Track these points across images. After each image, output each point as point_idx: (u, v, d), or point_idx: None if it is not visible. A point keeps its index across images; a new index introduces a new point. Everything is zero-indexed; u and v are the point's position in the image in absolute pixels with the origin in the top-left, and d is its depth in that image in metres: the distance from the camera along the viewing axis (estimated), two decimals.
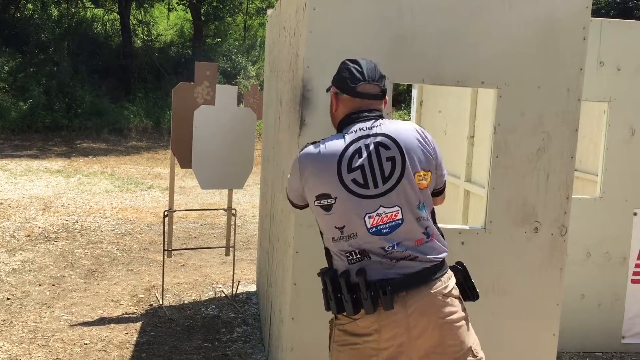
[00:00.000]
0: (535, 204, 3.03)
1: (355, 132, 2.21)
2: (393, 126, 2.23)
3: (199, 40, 22.71)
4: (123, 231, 7.34)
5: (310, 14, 2.89)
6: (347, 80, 2.29)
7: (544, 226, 3.04)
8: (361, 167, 2.15)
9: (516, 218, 3.02)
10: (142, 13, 22.68)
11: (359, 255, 2.16)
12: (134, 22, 21.68)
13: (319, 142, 2.26)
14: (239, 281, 5.51)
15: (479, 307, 2.82)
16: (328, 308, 2.21)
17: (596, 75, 4.28)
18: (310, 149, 2.25)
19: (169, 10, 25.67)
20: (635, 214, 4.34)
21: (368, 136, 2.19)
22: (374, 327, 2.12)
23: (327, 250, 2.30)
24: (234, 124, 4.88)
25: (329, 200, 2.17)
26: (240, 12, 31.99)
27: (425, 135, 2.27)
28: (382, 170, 2.16)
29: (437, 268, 2.19)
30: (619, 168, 4.33)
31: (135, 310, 4.85)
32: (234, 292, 5.27)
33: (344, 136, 2.22)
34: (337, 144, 2.20)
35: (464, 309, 2.24)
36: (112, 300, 5.05)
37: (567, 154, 3.05)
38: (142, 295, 5.19)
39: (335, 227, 2.18)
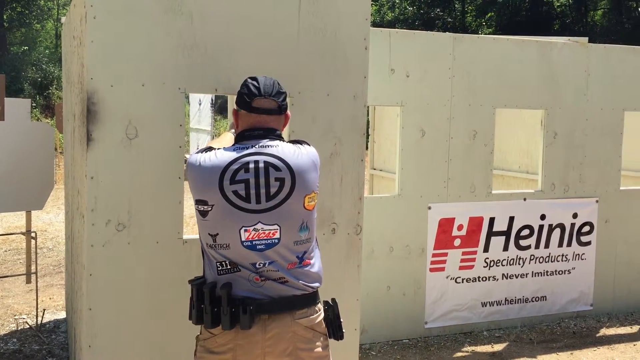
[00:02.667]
0: (332, 207, 3.16)
1: (247, 148, 2.19)
2: (286, 149, 2.21)
3: (3, 48, 20.76)
4: None
5: (92, 23, 2.76)
6: (244, 95, 2.29)
7: (340, 227, 3.18)
8: (245, 181, 2.13)
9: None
10: None
11: (228, 267, 2.13)
12: None
13: (212, 150, 2.24)
14: (44, 310, 5.09)
15: None
16: (190, 317, 2.16)
17: (389, 82, 4.61)
18: (198, 155, 2.22)
19: None
20: (429, 208, 4.73)
21: (260, 154, 2.17)
22: (230, 346, 2.09)
23: (203, 256, 2.25)
24: (28, 140, 4.50)
25: (205, 207, 2.14)
26: (50, 19, 29.78)
27: (314, 156, 2.28)
28: (268, 188, 2.14)
29: (308, 298, 2.17)
30: (413, 166, 4.70)
31: None
32: (39, 322, 4.85)
33: (235, 149, 2.20)
34: (225, 155, 2.18)
35: (326, 347, 2.21)
36: None
37: (358, 157, 3.23)
38: None
39: (209, 234, 2.16)
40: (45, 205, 4.75)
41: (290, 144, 2.26)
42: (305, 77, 3.10)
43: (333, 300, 2.28)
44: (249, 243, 2.10)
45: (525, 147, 6.51)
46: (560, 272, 5.15)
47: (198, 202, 2.16)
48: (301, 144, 2.29)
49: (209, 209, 2.13)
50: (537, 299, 5.10)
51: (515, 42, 5.03)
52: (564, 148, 5.09)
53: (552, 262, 5.13)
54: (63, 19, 4.96)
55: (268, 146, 2.19)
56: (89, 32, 2.76)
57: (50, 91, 23.23)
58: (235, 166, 2.14)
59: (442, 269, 4.82)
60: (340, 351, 3.24)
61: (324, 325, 2.23)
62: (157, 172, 2.87)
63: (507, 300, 5.00)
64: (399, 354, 4.46)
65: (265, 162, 2.16)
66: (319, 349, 2.18)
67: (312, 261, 2.21)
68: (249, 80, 2.32)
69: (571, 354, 4.48)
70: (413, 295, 4.74)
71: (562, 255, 5.15)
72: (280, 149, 2.20)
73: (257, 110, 2.26)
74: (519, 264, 5.02)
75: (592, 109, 5.15)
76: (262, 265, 2.11)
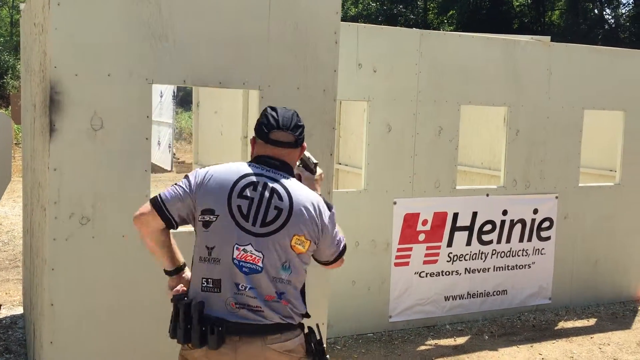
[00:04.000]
0: None
1: (262, 169, 2.19)
2: (296, 187, 2.19)
3: None
4: None
5: (55, 9, 2.67)
6: (262, 126, 2.24)
7: None
8: (250, 199, 2.13)
9: None
10: None
11: (211, 285, 2.12)
12: None
13: (225, 165, 2.23)
14: (0, 305, 4.93)
15: None
16: (168, 330, 2.15)
17: (356, 77, 4.61)
18: (217, 166, 2.22)
19: None
20: (394, 203, 4.77)
21: (271, 179, 2.16)
22: None
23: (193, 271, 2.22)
24: None
25: (211, 217, 2.13)
26: (5, 6, 28.91)
27: (320, 210, 2.20)
28: (266, 214, 2.12)
29: (282, 327, 2.13)
30: (379, 161, 4.72)
31: None
32: None
33: (251, 166, 2.19)
34: (241, 168, 2.18)
35: None
36: None
37: (327, 151, 3.22)
38: None
39: (206, 247, 2.14)
40: (0, 199, 4.59)
41: (300, 184, 2.23)
42: (275, 71, 3.07)
43: (317, 325, 2.23)
44: (237, 262, 2.10)
45: (489, 144, 6.62)
46: (521, 267, 5.26)
47: (205, 212, 2.14)
48: (323, 203, 2.23)
49: (214, 219, 2.12)
50: (498, 293, 5.20)
51: (481, 39, 5.10)
52: (525, 145, 5.19)
53: (513, 256, 5.24)
54: (22, 6, 4.80)
55: (282, 177, 2.19)
56: (53, 19, 2.68)
57: (5, 80, 22.51)
58: (245, 182, 2.14)
59: (407, 264, 4.86)
60: None
61: (304, 349, 2.18)
62: (123, 165, 2.80)
63: (470, 294, 5.08)
64: (363, 347, 4.48)
65: (273, 188, 2.15)
66: None
67: (292, 305, 2.15)
68: (269, 110, 2.27)
69: (531, 346, 4.59)
70: (378, 290, 4.77)
71: (523, 250, 5.26)
72: (292, 184, 2.19)
73: (274, 142, 2.22)
74: (481, 258, 5.11)
75: (554, 107, 5.27)
76: (243, 288, 2.10)
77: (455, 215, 4.98)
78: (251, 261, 2.09)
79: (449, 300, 5.00)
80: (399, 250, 4.82)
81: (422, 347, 4.56)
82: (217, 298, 2.10)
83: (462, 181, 6.41)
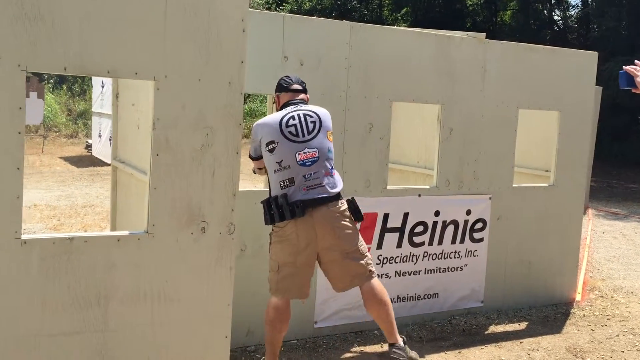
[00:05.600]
0: (202, 203, 2.89)
1: (289, 109, 3.68)
2: (313, 106, 3.77)
3: None
4: None
5: None
6: (283, 85, 3.84)
7: (211, 226, 2.92)
8: (294, 125, 3.57)
9: (182, 219, 2.85)
10: None
11: (287, 182, 3.49)
12: None
13: (269, 115, 3.79)
14: None
15: (143, 318, 2.59)
16: (265, 222, 3.55)
17: (282, 70, 4.35)
18: (261, 120, 3.69)
19: None
20: None
21: (299, 110, 3.67)
22: (293, 229, 3.48)
23: (269, 184, 3.62)
24: None
25: (273, 145, 3.52)
26: None
27: (329, 115, 3.79)
28: (307, 127, 3.58)
29: (334, 197, 3.59)
30: None
31: None
32: None
33: (284, 109, 3.71)
34: (278, 115, 3.66)
35: (353, 224, 3.67)
36: None
37: (232, 149, 2.97)
38: None
39: (276, 162, 3.51)
40: None
41: (312, 105, 3.82)
42: (173, 59, 2.80)
43: (352, 197, 3.77)
44: (301, 162, 3.50)
45: (425, 141, 6.46)
46: (453, 269, 5.12)
47: (268, 143, 3.54)
48: (321, 108, 3.83)
49: (276, 145, 3.51)
50: (429, 296, 5.05)
51: (414, 34, 4.91)
52: (459, 144, 5.04)
53: (445, 259, 5.09)
54: None
55: (303, 106, 3.71)
56: None
57: None
58: (286, 117, 3.59)
59: None
60: None
61: (348, 212, 3.65)
62: None
63: (399, 297, 4.91)
64: (285, 355, 4.25)
65: (304, 113, 3.64)
66: (346, 223, 3.61)
67: (335, 174, 3.68)
68: (285, 77, 3.88)
69: (459, 352, 4.44)
70: None
71: (455, 252, 5.12)
72: (310, 106, 3.76)
73: (292, 90, 3.79)
74: (412, 260, 4.94)
75: (488, 105, 5.13)
76: (309, 175, 3.51)
77: (386, 216, 4.79)
78: (311, 157, 3.53)
79: None
80: None
81: (347, 355, 4.35)
82: (293, 189, 3.48)
83: (397, 180, 6.23)
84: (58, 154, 16.35)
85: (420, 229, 4.94)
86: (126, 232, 2.87)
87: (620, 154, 18.87)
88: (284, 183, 3.46)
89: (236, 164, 2.96)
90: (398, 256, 4.88)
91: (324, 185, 3.50)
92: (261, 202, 3.54)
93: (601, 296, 5.97)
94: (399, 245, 4.86)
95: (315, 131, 3.55)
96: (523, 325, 5.07)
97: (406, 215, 4.87)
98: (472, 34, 5.16)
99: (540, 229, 5.48)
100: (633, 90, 3.20)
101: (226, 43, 2.89)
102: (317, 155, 3.50)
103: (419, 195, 4.92)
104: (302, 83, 3.85)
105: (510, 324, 5.07)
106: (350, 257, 3.62)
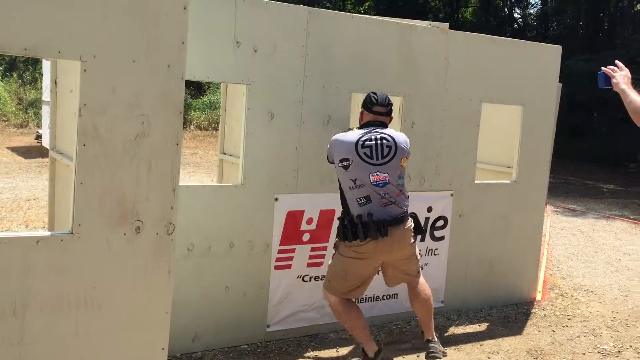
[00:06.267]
0: (136, 200, 2.59)
1: (369, 130, 3.82)
2: (393, 132, 3.87)
3: None
4: None
5: None
6: (368, 103, 3.96)
7: (147, 225, 2.62)
8: (370, 147, 3.72)
9: (112, 218, 2.54)
10: None
11: (364, 200, 3.67)
12: None
13: (348, 130, 3.93)
14: None
15: (66, 329, 2.28)
16: (344, 238, 3.71)
17: (233, 56, 4.06)
18: (340, 134, 3.88)
19: None
20: (276, 199, 4.27)
21: (378, 133, 3.80)
22: (373, 248, 3.69)
23: (343, 200, 3.79)
24: None
25: (347, 162, 3.71)
26: None
27: (408, 142, 3.91)
28: (382, 152, 3.72)
29: (406, 214, 3.81)
30: (260, 153, 4.21)
31: None
32: None
33: (363, 129, 3.85)
34: (356, 133, 3.82)
35: (414, 237, 3.90)
36: None
37: (172, 140, 2.67)
38: None
39: (350, 179, 3.70)
40: None
41: (393, 130, 3.91)
42: (103, 38, 2.48)
43: (415, 214, 4.29)
44: (375, 183, 3.67)
45: None
46: None
47: (342, 160, 3.73)
48: (400, 133, 3.94)
49: (350, 163, 3.70)
50: (388, 297, 4.83)
51: (376, 22, 4.67)
52: (421, 138, 4.83)
53: None
54: None
55: (380, 130, 3.83)
56: None
57: None
58: (364, 138, 3.75)
59: (289, 267, 4.39)
60: None
61: (412, 228, 3.86)
62: None
63: (357, 298, 4.67)
64: None
65: (381, 137, 3.77)
66: (412, 240, 3.87)
67: (406, 193, 3.83)
68: (372, 94, 3.98)
69: (417, 356, 4.24)
70: (255, 296, 4.27)
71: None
72: (389, 131, 3.86)
73: (375, 112, 3.93)
74: None
75: (451, 98, 4.94)
76: (383, 194, 3.67)
77: None
78: (382, 179, 3.69)
79: None
80: (280, 251, 4.33)
81: None
82: (373, 206, 3.66)
83: None
84: (6, 144, 15.64)
85: None
86: (47, 233, 2.55)
87: (578, 150, 19.12)
88: (361, 200, 3.66)
89: (176, 157, 2.66)
90: None
91: (399, 203, 3.72)
92: (338, 219, 3.87)
93: (561, 295, 5.87)
94: None
95: (389, 156, 3.71)
96: (483, 326, 4.91)
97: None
98: (435, 23, 4.94)
99: (502, 226, 5.33)
100: (614, 89, 3.26)
101: (165, 21, 2.58)
102: (387, 179, 3.69)
103: None
104: (387, 105, 3.94)
105: (471, 325, 4.90)
106: (410, 261, 3.92)
